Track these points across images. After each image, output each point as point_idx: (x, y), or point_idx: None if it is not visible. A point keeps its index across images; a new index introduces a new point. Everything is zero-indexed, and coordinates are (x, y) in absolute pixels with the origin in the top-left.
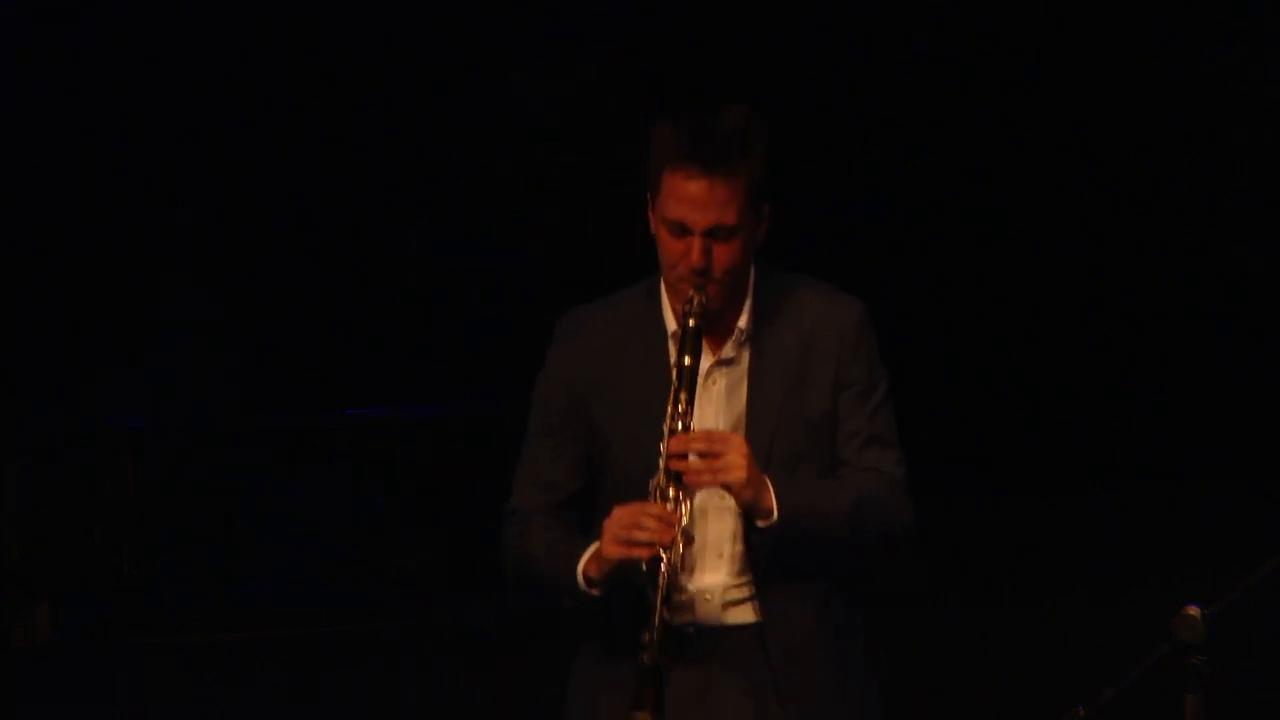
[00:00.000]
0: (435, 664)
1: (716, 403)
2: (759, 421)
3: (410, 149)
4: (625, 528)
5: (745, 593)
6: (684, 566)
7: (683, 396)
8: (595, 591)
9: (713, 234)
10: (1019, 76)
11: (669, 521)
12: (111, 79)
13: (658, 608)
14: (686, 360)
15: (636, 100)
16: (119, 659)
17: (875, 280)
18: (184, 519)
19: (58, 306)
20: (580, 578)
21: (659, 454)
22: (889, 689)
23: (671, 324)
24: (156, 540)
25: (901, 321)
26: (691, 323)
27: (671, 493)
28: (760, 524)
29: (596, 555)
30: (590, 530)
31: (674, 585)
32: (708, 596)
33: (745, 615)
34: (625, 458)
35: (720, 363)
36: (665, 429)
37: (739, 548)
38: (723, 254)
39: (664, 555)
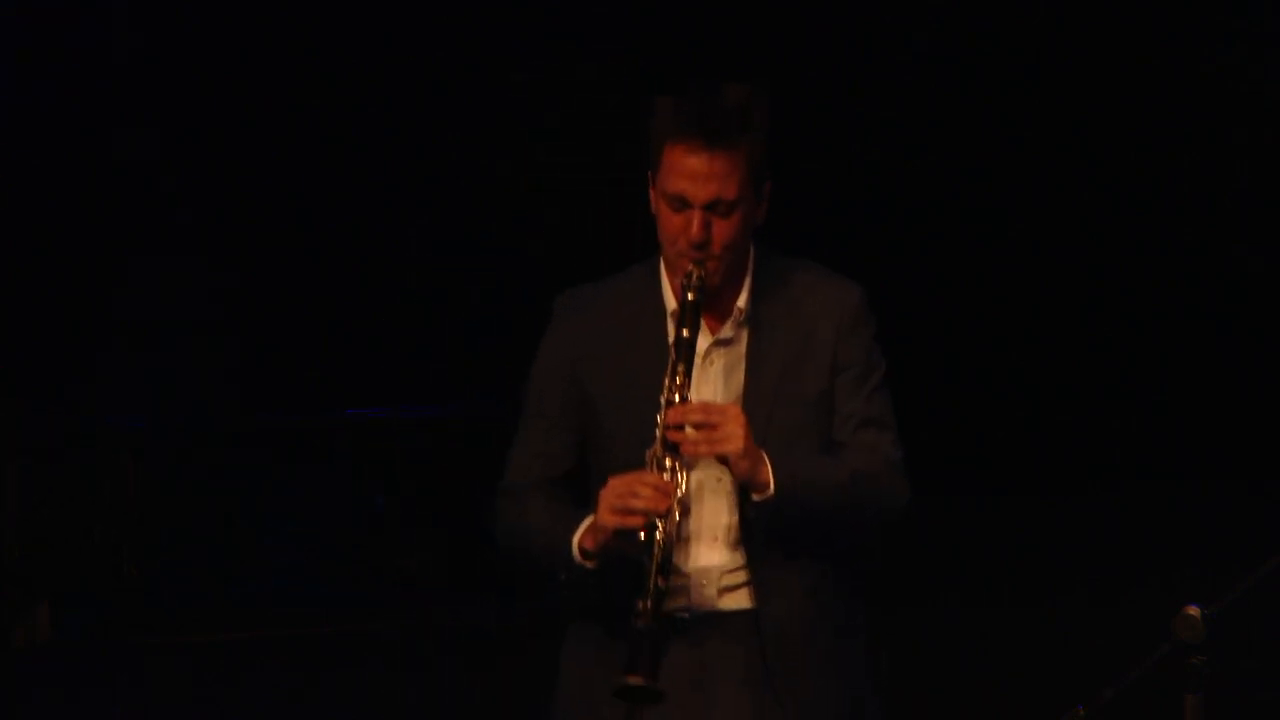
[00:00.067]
0: (435, 664)
1: (714, 382)
2: (756, 401)
3: (410, 149)
4: (621, 496)
5: (741, 578)
6: (680, 536)
7: (680, 369)
8: (590, 564)
9: (712, 207)
10: (1019, 76)
11: (665, 490)
12: (112, 79)
13: (652, 574)
14: (684, 332)
15: (636, 100)
16: (119, 659)
17: (875, 280)
18: (184, 519)
19: (58, 306)
20: (576, 550)
21: (656, 426)
22: (889, 689)
23: (671, 302)
24: (156, 540)
25: (901, 321)
26: (690, 296)
27: (668, 463)
28: (756, 498)
29: (592, 527)
30: (586, 508)
31: (669, 554)
32: (703, 581)
33: (741, 601)
34: (623, 434)
35: (718, 343)
36: (662, 400)
37: (735, 530)
38: (722, 229)
39: (659, 524)
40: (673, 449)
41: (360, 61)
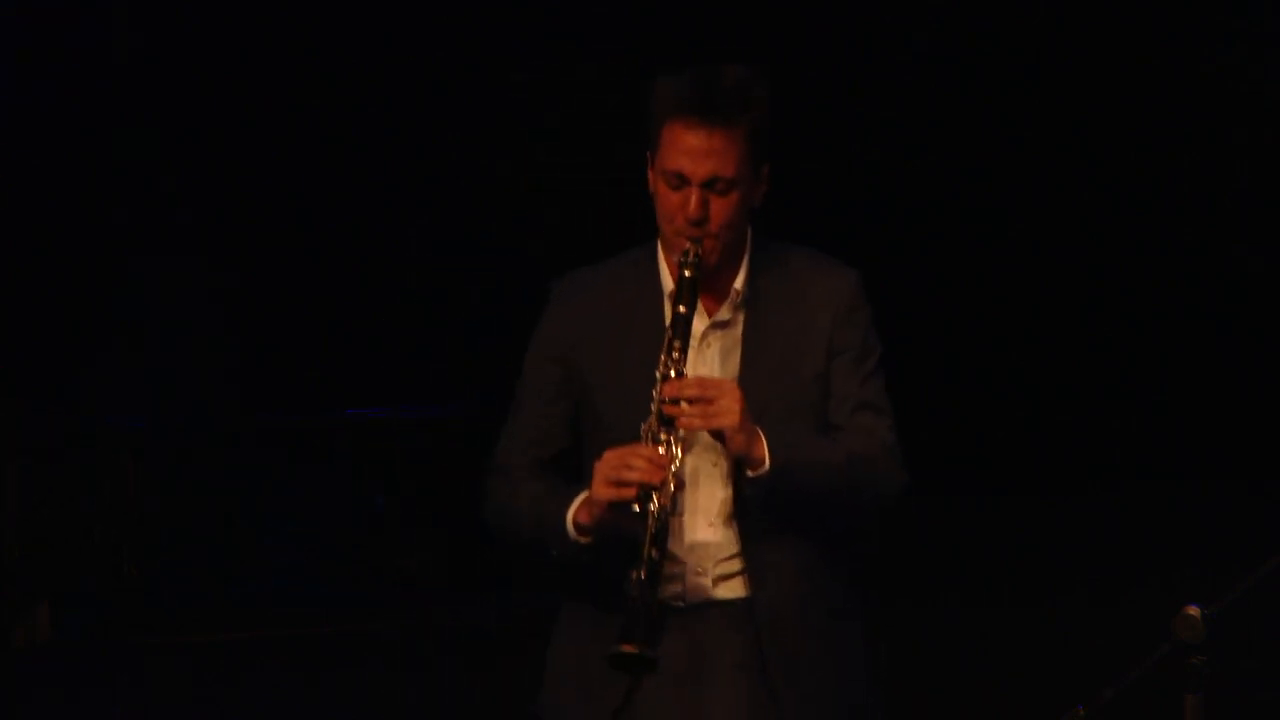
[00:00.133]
0: (435, 664)
1: (711, 365)
2: (752, 384)
3: (410, 149)
4: (615, 468)
5: (736, 565)
6: (674, 511)
7: (676, 345)
8: (584, 539)
9: (710, 185)
10: (1020, 75)
11: (659, 462)
12: (111, 78)
13: (647, 545)
14: (681, 309)
15: (636, 100)
16: (119, 659)
17: (874, 279)
18: (184, 519)
19: (58, 306)
20: (570, 524)
21: (652, 400)
22: (890, 689)
23: (669, 284)
24: (156, 540)
25: (901, 321)
26: (688, 273)
27: (663, 436)
28: (751, 474)
29: (587, 501)
30: (579, 485)
31: (665, 525)
32: (698, 569)
33: (736, 589)
34: (619, 415)
35: (715, 325)
36: (658, 375)
37: (730, 513)
38: (720, 207)
39: (654, 496)
40: (668, 423)
41: (360, 62)
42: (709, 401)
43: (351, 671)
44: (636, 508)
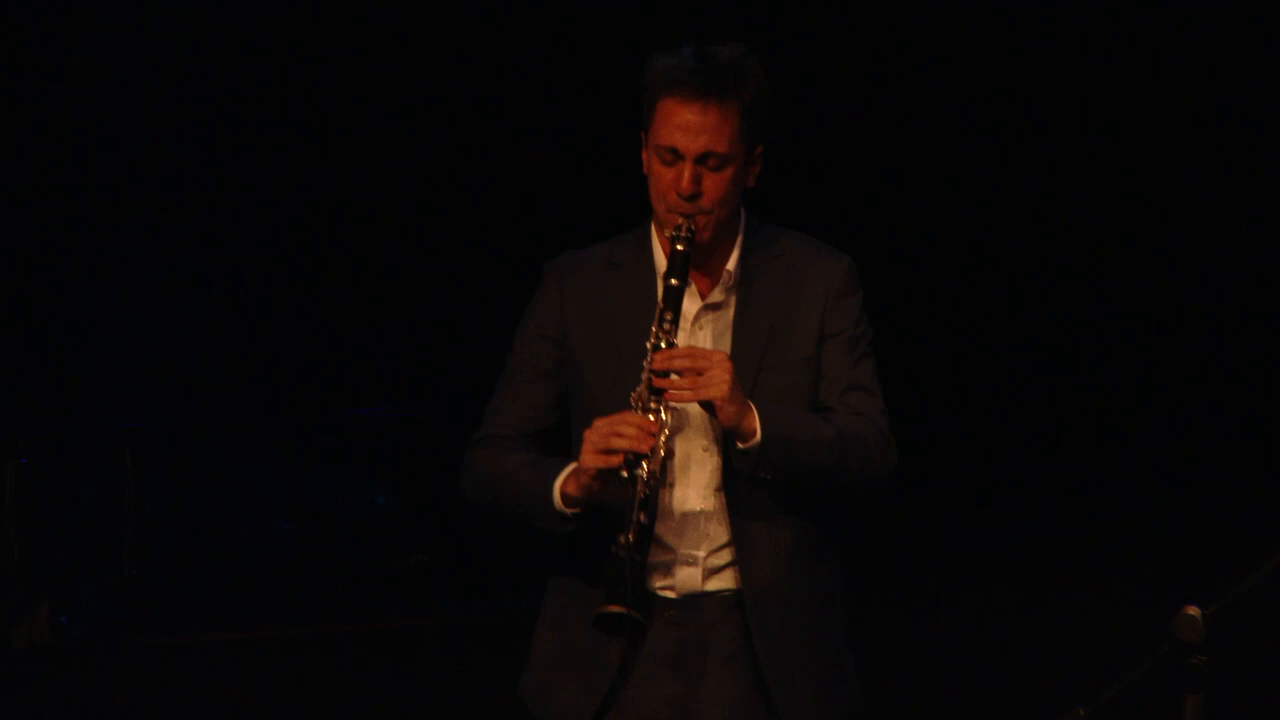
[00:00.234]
0: (435, 664)
1: (703, 346)
2: (743, 365)
3: (410, 149)
4: (604, 436)
5: (726, 558)
6: (664, 482)
7: (668, 315)
8: (570, 511)
9: (703, 160)
10: (1021, 74)
11: (648, 429)
12: (110, 77)
13: (635, 509)
14: (673, 281)
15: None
16: (119, 659)
17: (874, 278)
18: (184, 519)
19: (58, 306)
20: (557, 495)
21: (643, 370)
22: (889, 689)
23: (662, 264)
24: (156, 540)
25: (898, 320)
26: (680, 247)
27: (653, 405)
28: (741, 446)
29: (575, 471)
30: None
31: (653, 491)
32: (689, 560)
33: (725, 582)
34: (611, 391)
35: (708, 307)
36: (648, 346)
37: (719, 489)
38: (713, 183)
39: (644, 463)
40: (658, 392)
41: (361, 61)
42: (699, 373)
43: (351, 671)
44: (625, 474)
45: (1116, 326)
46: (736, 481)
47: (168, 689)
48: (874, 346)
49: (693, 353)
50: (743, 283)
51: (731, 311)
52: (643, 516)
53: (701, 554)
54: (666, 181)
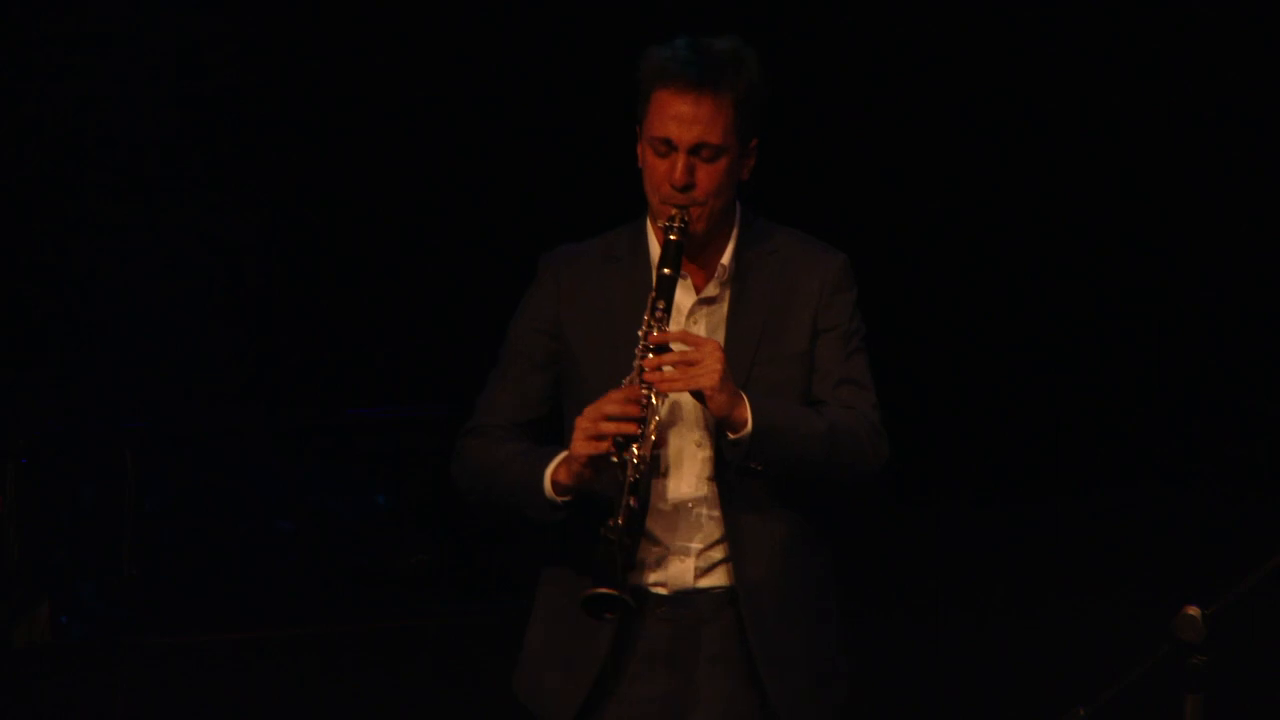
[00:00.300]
0: (435, 664)
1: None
2: (737, 359)
3: (410, 148)
4: (593, 421)
5: (719, 554)
6: (657, 472)
7: (660, 304)
8: (561, 499)
9: (696, 151)
10: (1019, 70)
11: (633, 399)
12: (110, 77)
13: (625, 492)
14: (666, 270)
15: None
16: (119, 659)
17: (874, 275)
18: (184, 519)
19: (58, 306)
20: (548, 483)
21: (635, 358)
22: (890, 689)
23: (658, 257)
24: (156, 540)
25: (899, 319)
26: (673, 237)
27: (643, 391)
28: (733, 436)
29: (566, 459)
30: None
31: (644, 475)
32: (681, 555)
33: (718, 579)
34: (604, 384)
35: (702, 301)
36: (640, 334)
37: (713, 490)
38: (706, 174)
39: (635, 447)
40: (649, 383)
41: (361, 60)
42: (690, 363)
43: (351, 671)
44: (615, 459)
45: (1116, 326)
46: (729, 474)
47: (168, 689)
48: (867, 343)
49: (684, 337)
50: (737, 277)
51: (726, 306)
52: (633, 500)
53: (695, 546)
54: (660, 173)
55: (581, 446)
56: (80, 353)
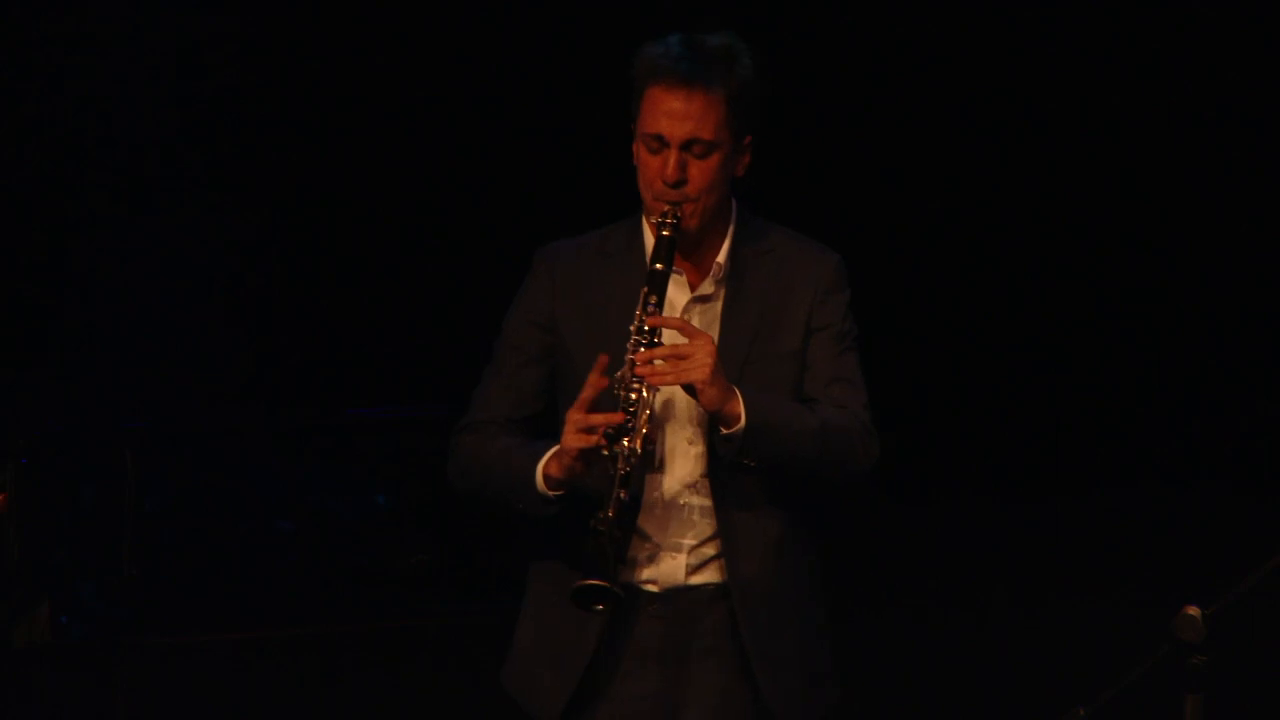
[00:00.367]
0: (435, 664)
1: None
2: (730, 356)
3: (410, 148)
4: (583, 414)
5: (711, 551)
6: (650, 466)
7: (652, 298)
8: (553, 494)
9: (688, 148)
10: (1018, 69)
11: (626, 386)
12: (110, 77)
13: (615, 485)
14: (658, 266)
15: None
16: (119, 659)
17: (875, 275)
18: (184, 519)
19: (58, 306)
20: (540, 477)
21: (627, 352)
22: (890, 689)
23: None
24: (156, 540)
25: (899, 319)
26: (666, 233)
27: (635, 385)
28: (725, 431)
29: (557, 454)
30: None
31: (634, 468)
32: (673, 552)
33: (710, 575)
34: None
35: (697, 299)
36: (632, 329)
37: (705, 487)
38: (699, 170)
39: (625, 441)
40: (640, 376)
41: (360, 60)
42: (681, 357)
43: (351, 671)
44: (606, 452)
45: (1116, 326)
46: (721, 471)
47: (168, 689)
48: (859, 343)
49: (683, 325)
50: (733, 276)
51: (720, 304)
52: (623, 494)
53: (687, 543)
54: (653, 169)
55: (572, 440)
56: (80, 353)
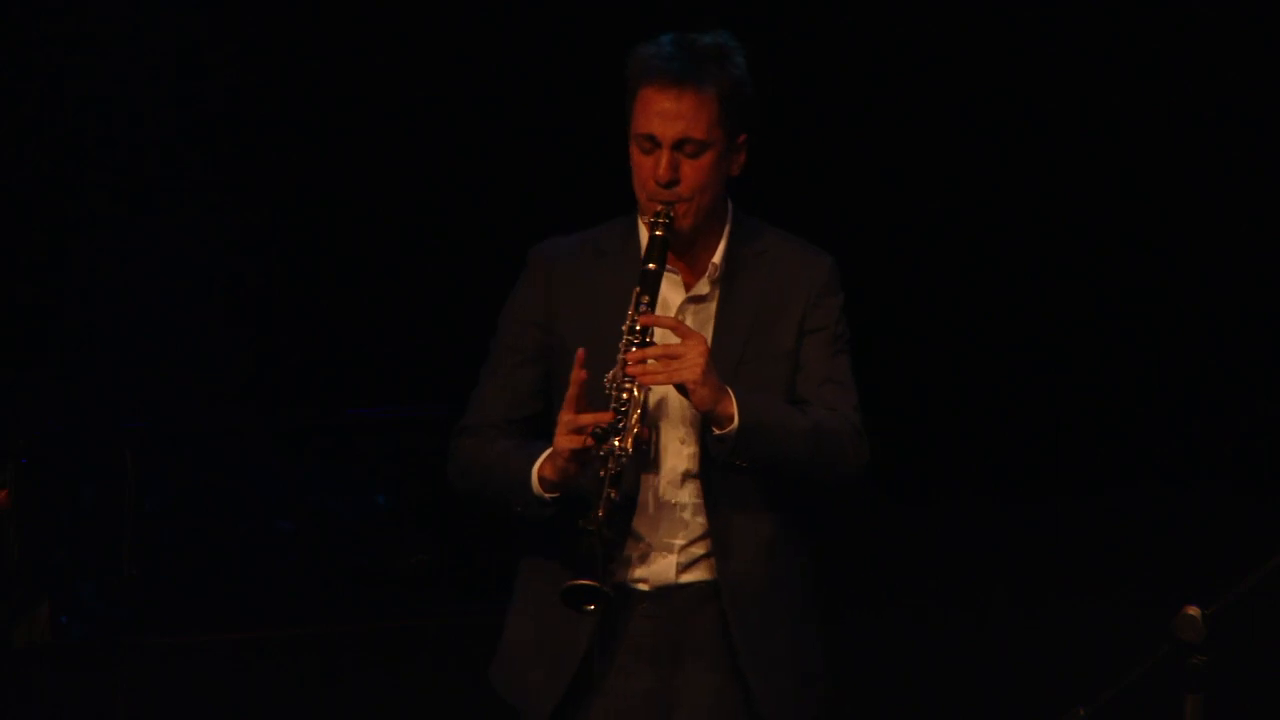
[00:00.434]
0: (435, 664)
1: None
2: (723, 358)
3: (410, 147)
4: (575, 415)
5: (701, 550)
6: (643, 466)
7: (644, 299)
8: (548, 495)
9: (680, 147)
10: (1017, 68)
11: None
12: (110, 77)
13: (605, 484)
14: (651, 265)
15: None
16: (119, 659)
17: (872, 276)
18: (184, 519)
19: (58, 306)
20: (535, 479)
21: (619, 351)
22: (889, 689)
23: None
24: (156, 540)
25: (898, 319)
26: (659, 232)
27: (626, 385)
28: (718, 432)
29: (551, 455)
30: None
31: (624, 467)
32: (664, 551)
33: (700, 574)
34: (593, 379)
35: (691, 299)
36: (624, 328)
37: (697, 487)
38: (692, 170)
39: (616, 441)
40: (632, 375)
41: (360, 59)
42: (673, 356)
43: (352, 671)
44: (600, 452)
45: (1116, 326)
46: (713, 471)
47: (168, 689)
48: (852, 347)
49: (677, 325)
50: (727, 276)
51: (715, 304)
52: (614, 493)
53: (678, 542)
54: (646, 169)
55: (563, 441)
56: (80, 353)
